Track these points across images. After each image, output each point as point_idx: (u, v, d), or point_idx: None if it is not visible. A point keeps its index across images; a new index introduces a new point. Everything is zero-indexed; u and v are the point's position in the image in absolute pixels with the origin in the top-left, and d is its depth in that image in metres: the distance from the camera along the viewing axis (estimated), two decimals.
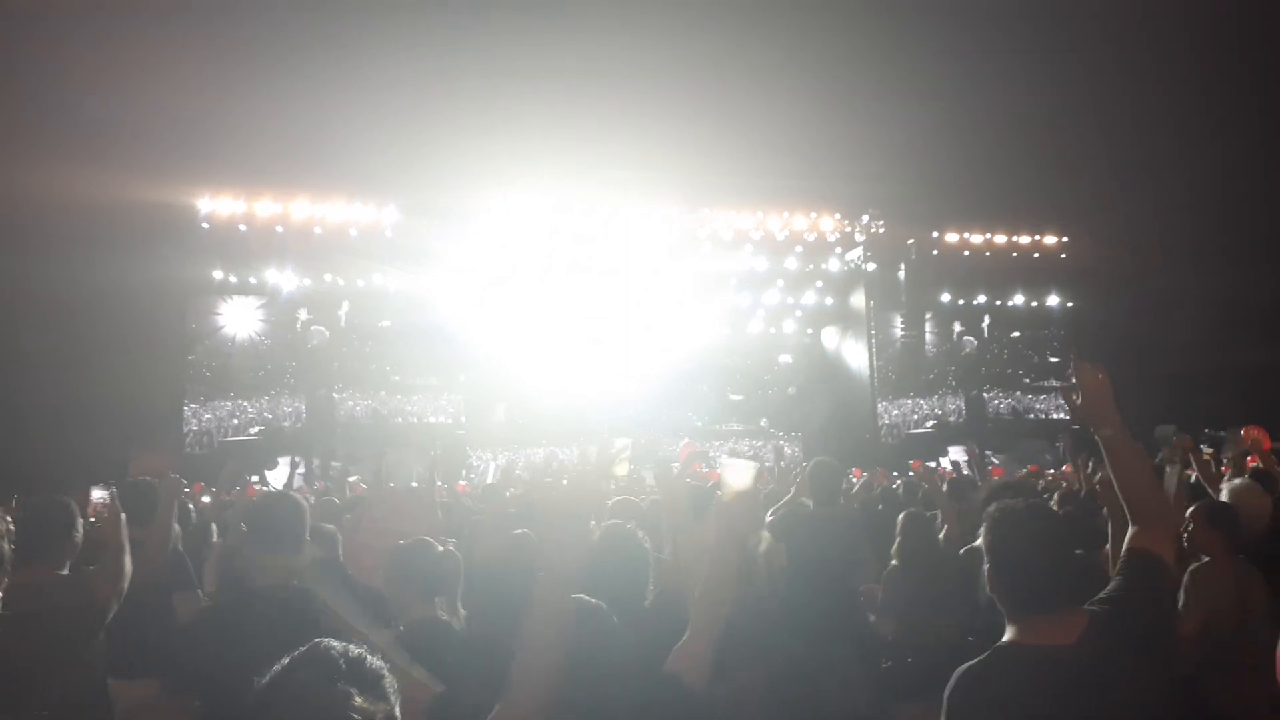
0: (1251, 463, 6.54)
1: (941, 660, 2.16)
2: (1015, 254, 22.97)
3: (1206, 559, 3.90)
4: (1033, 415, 24.07)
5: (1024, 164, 18.85)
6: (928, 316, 23.64)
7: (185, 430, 19.10)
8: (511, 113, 16.81)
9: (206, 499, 10.63)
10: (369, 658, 1.45)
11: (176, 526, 5.15)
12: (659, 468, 4.35)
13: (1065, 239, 23.05)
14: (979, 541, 4.82)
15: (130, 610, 3.63)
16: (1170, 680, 1.93)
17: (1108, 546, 3.58)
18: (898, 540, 4.70)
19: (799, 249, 21.88)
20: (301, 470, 18.11)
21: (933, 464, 19.08)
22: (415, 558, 3.08)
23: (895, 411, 23.23)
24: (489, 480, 8.18)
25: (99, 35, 13.43)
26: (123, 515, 3.32)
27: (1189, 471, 5.39)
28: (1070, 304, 23.79)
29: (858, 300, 22.73)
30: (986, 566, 2.15)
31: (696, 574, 2.53)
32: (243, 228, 18.74)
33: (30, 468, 12.85)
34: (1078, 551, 2.99)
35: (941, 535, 4.94)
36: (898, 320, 23.20)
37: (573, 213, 20.42)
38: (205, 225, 18.47)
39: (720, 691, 2.55)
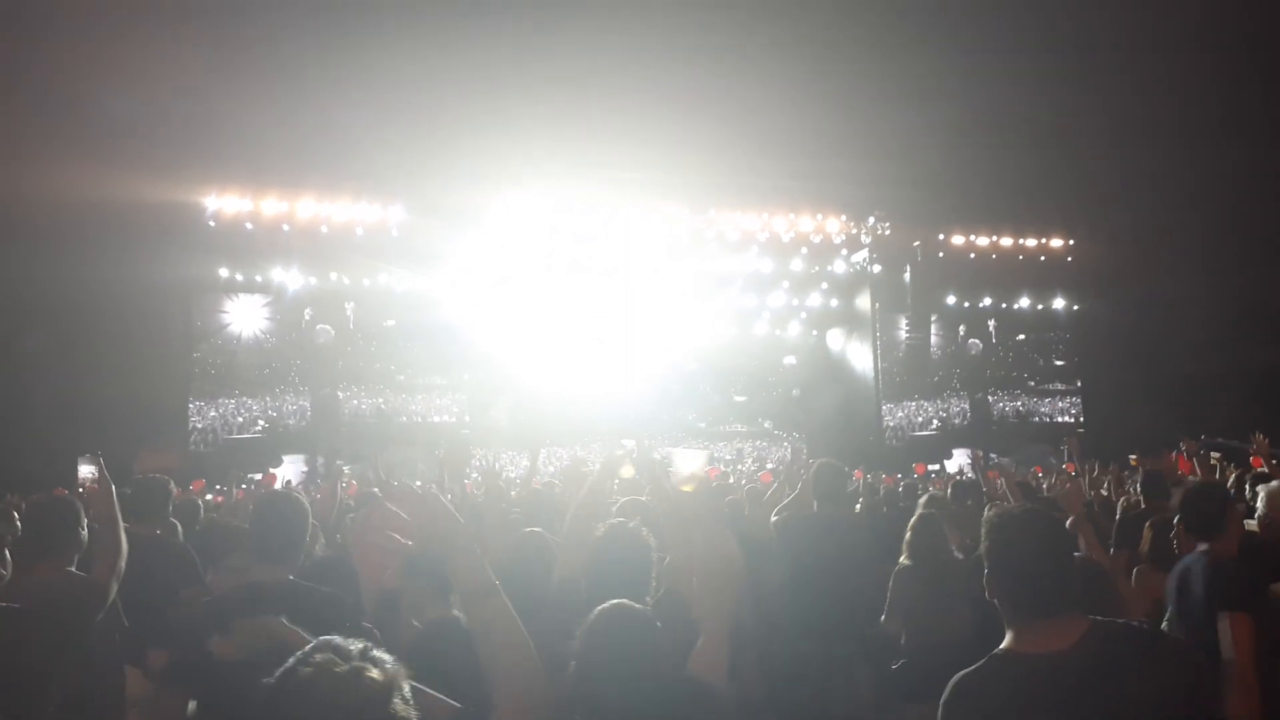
0: (1257, 464, 6.52)
1: (952, 660, 2.16)
2: (1021, 256, 22.95)
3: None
4: (1037, 418, 24.05)
5: (1030, 166, 18.83)
6: (933, 319, 23.62)
7: (190, 427, 19.15)
8: (518, 113, 16.83)
9: (209, 497, 10.67)
10: (374, 648, 1.47)
11: (176, 522, 5.18)
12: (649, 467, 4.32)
13: (1071, 241, 23.02)
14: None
15: (133, 606, 3.65)
16: (1177, 689, 1.92)
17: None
18: (909, 540, 4.69)
19: (804, 250, 21.87)
20: (304, 470, 18.18)
21: (936, 467, 19.10)
22: (429, 557, 3.07)
23: (900, 414, 23.22)
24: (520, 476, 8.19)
25: (107, 35, 13.47)
26: (112, 487, 3.31)
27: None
28: (1076, 307, 23.76)
29: (863, 302, 22.72)
30: (986, 570, 2.15)
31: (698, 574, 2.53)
32: (249, 226, 18.76)
33: (37, 464, 12.91)
34: (1077, 554, 3.00)
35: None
36: (903, 323, 23.18)
37: (578, 213, 20.43)
38: (212, 224, 18.50)
39: (730, 692, 2.55)
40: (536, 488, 6.14)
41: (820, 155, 18.67)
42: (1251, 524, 4.47)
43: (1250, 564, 3.80)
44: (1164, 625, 3.69)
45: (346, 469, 10.37)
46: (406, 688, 1.43)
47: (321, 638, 1.49)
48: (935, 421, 23.51)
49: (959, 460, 20.77)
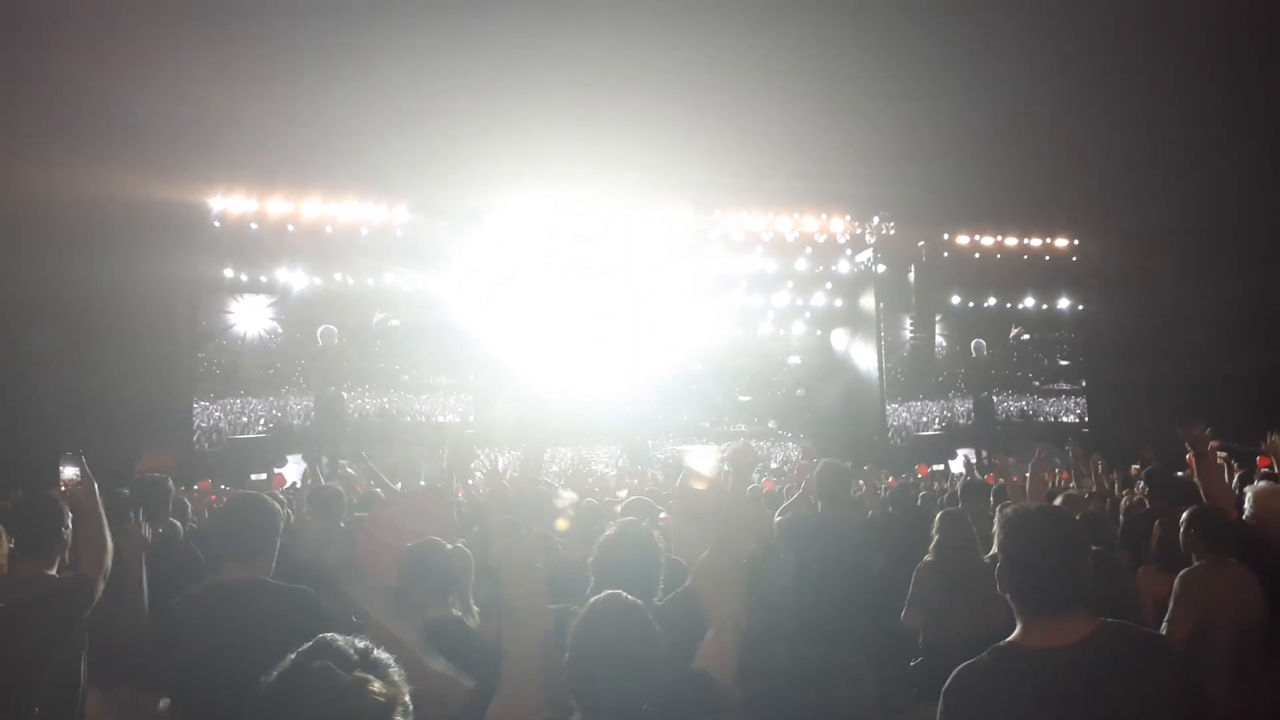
0: (1264, 464, 6.51)
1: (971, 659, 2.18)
2: (1026, 256, 22.90)
3: (1198, 563, 3.91)
4: (1042, 418, 24.01)
5: (1035, 166, 18.80)
6: (938, 319, 23.59)
7: (195, 427, 19.20)
8: (523, 114, 16.83)
9: (212, 498, 10.67)
10: (374, 649, 1.46)
11: (177, 522, 5.20)
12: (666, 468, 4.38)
13: (1076, 241, 22.97)
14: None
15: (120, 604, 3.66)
16: (1175, 694, 1.94)
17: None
18: (935, 537, 4.71)
19: (809, 250, 21.85)
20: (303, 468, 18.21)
21: (940, 467, 19.07)
22: (426, 557, 3.10)
23: (904, 414, 23.19)
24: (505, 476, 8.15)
25: (112, 34, 13.50)
26: (95, 485, 3.33)
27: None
28: (1081, 307, 23.71)
29: (867, 302, 22.69)
30: (999, 565, 2.18)
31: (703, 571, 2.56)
32: (254, 226, 18.80)
33: (42, 464, 12.94)
34: (1094, 548, 3.01)
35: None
36: (907, 322, 23.15)
37: (582, 213, 20.44)
38: (217, 224, 18.54)
39: (734, 688, 2.56)
40: (540, 487, 6.15)
41: (825, 155, 18.69)
42: None
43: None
44: (1164, 626, 3.70)
45: (350, 469, 10.40)
46: (408, 699, 1.42)
47: (321, 637, 1.48)
48: (939, 421, 23.48)
49: (961, 462, 20.73)
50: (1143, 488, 5.56)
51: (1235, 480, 6.81)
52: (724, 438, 22.75)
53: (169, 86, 14.55)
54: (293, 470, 17.50)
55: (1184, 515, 4.07)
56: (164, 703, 2.93)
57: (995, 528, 2.27)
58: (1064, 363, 24.26)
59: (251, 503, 3.30)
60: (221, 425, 19.71)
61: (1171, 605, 3.81)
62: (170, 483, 5.16)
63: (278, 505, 3.33)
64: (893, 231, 21.91)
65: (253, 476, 16.23)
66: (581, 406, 20.68)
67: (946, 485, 11.04)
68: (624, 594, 2.31)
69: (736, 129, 17.75)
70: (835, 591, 4.32)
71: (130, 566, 3.38)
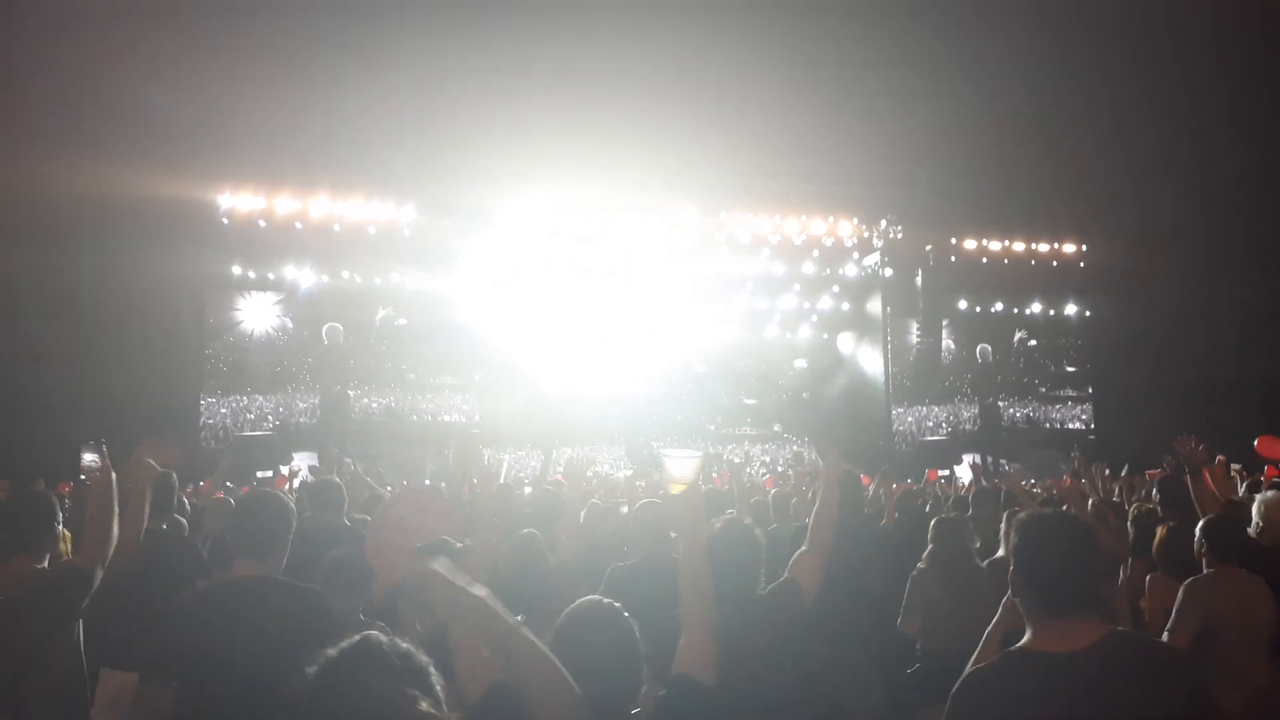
0: (1272, 474, 6.48)
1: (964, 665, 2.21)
2: (1033, 261, 22.83)
3: (1208, 571, 3.92)
4: (1048, 424, 23.97)
5: (1043, 171, 18.76)
6: (944, 324, 23.55)
7: (201, 424, 19.26)
8: (531, 115, 16.86)
9: (217, 494, 10.68)
10: (415, 653, 1.44)
11: (181, 519, 5.21)
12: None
13: (1084, 247, 22.91)
14: (1002, 551, 4.83)
15: (138, 602, 3.67)
16: (1181, 703, 1.95)
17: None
18: (930, 544, 4.73)
19: (816, 253, 21.83)
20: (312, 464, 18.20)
21: (945, 472, 19.03)
22: (436, 557, 3.09)
23: (910, 419, 23.17)
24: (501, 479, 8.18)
25: (122, 33, 13.54)
26: (113, 475, 3.33)
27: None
28: (1088, 313, 23.66)
29: (874, 306, 22.67)
30: (1011, 570, 2.21)
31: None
32: (262, 224, 18.84)
33: (50, 456, 12.99)
34: None
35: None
36: (914, 327, 23.12)
37: (589, 214, 20.45)
38: (225, 221, 18.59)
39: (740, 694, 2.57)
40: (548, 487, 6.16)
41: (833, 158, 18.68)
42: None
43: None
44: (1165, 634, 3.71)
45: (355, 466, 10.39)
46: (446, 712, 1.40)
47: (362, 639, 1.46)
48: (945, 426, 23.46)
49: (968, 466, 20.70)
50: (1155, 495, 5.55)
51: (1243, 489, 6.79)
52: (730, 440, 22.76)
53: (178, 84, 14.60)
54: (302, 466, 17.51)
55: (1199, 525, 4.07)
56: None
57: (1011, 532, 2.28)
58: (1070, 369, 24.21)
59: (265, 499, 3.30)
60: (227, 422, 19.78)
61: (1174, 613, 3.82)
62: (175, 478, 5.15)
63: (289, 503, 3.34)
64: (900, 235, 21.87)
65: (259, 474, 16.26)
66: (586, 407, 20.70)
67: (951, 490, 11.02)
68: (601, 599, 2.35)
69: (745, 131, 17.77)
70: (845, 594, 4.32)
71: (134, 494, 3.39)
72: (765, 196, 20.64)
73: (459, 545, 3.14)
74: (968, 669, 2.16)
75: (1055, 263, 22.91)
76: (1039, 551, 2.17)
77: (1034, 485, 11.73)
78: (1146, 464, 9.79)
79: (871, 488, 7.33)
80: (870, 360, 22.97)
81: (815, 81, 16.55)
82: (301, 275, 20.12)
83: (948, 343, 23.67)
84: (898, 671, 4.66)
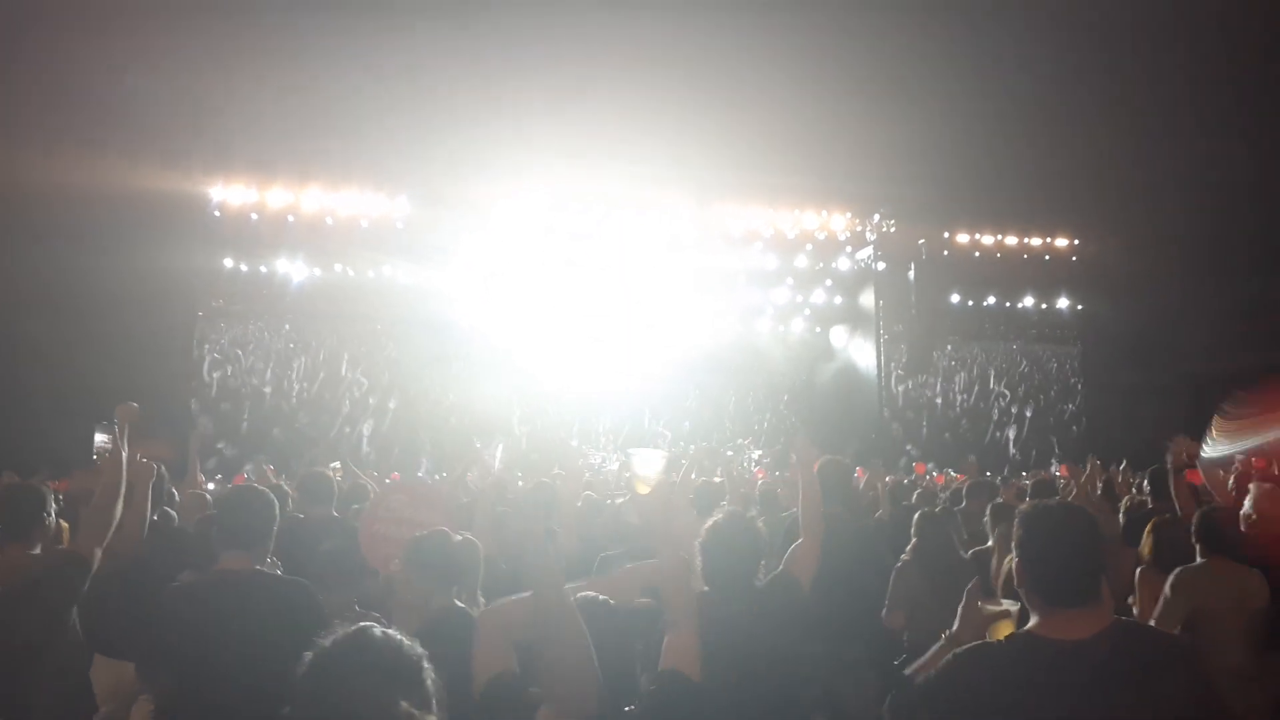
0: (1260, 465, 6.51)
1: None
2: (1026, 256, 22.84)
3: (1200, 561, 3.96)
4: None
5: (1037, 165, 18.77)
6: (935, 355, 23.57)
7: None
8: (524, 107, 16.81)
9: (210, 485, 10.68)
10: (409, 646, 1.45)
11: (170, 510, 5.23)
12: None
13: (1077, 241, 22.93)
14: (990, 543, 4.85)
15: (127, 588, 3.69)
16: (1186, 694, 1.97)
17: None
18: (914, 538, 4.76)
19: (809, 247, 21.82)
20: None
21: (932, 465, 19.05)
22: (433, 548, 3.11)
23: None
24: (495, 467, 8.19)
25: (112, 24, 13.45)
26: (124, 454, 3.34)
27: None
28: (1081, 307, 23.69)
29: (867, 299, 22.68)
30: (1016, 560, 2.22)
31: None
32: (254, 217, 18.76)
33: (38, 455, 12.93)
34: None
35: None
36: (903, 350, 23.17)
37: (581, 208, 20.40)
38: (217, 214, 18.50)
39: (734, 688, 2.58)
40: (544, 480, 6.17)
41: (826, 151, 18.64)
42: None
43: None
44: (1153, 624, 3.74)
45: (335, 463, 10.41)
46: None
47: (357, 631, 1.46)
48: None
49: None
50: (1146, 488, 5.61)
51: (1231, 483, 6.83)
52: (717, 434, 22.75)
53: (169, 76, 14.51)
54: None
55: (1195, 515, 4.12)
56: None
57: (1016, 524, 2.29)
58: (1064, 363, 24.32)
59: (250, 493, 3.37)
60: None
61: (1161, 601, 3.87)
62: (163, 469, 5.19)
63: (274, 497, 3.37)
64: (893, 229, 21.89)
65: (247, 468, 16.24)
66: (579, 402, 20.67)
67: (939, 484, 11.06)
68: (599, 596, 2.39)
69: (738, 124, 17.72)
70: (839, 591, 4.33)
71: (136, 489, 3.43)
72: (759, 189, 20.63)
73: (457, 538, 3.16)
74: (975, 644, 2.19)
75: (1048, 256, 22.92)
76: (1041, 542, 2.18)
77: (1025, 478, 11.77)
78: (1135, 458, 9.84)
79: (864, 482, 7.36)
80: (863, 354, 22.99)
81: (809, 74, 16.54)
82: (294, 268, 20.05)
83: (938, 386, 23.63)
84: (898, 668, 4.67)
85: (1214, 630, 3.69)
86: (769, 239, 21.35)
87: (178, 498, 5.85)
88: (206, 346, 19.72)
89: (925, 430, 22.88)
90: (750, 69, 16.30)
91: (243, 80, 14.91)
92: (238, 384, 19.86)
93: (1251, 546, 4.09)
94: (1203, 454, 5.84)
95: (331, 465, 9.47)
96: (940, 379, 23.76)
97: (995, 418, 23.49)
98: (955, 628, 2.45)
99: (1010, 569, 2.79)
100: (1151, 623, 3.75)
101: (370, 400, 20.56)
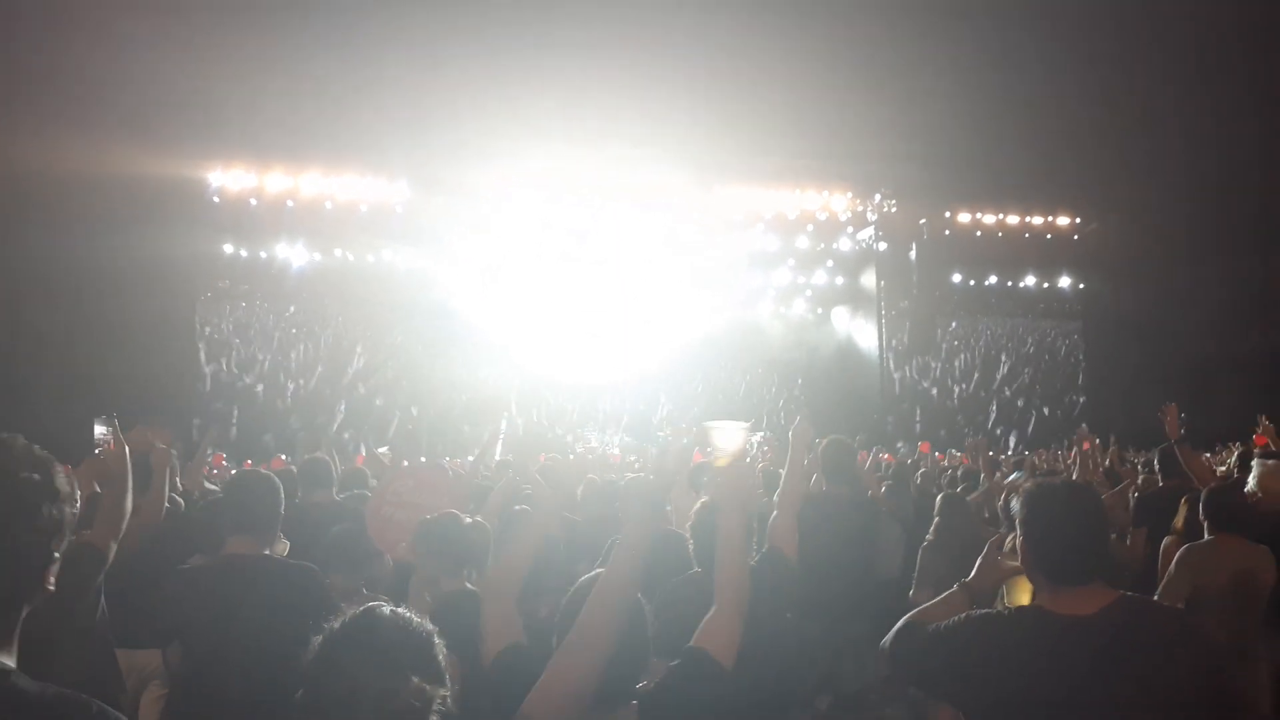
0: (1261, 442, 6.52)
1: None
2: (1028, 235, 22.75)
3: (1207, 538, 3.98)
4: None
5: (1039, 144, 18.67)
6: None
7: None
8: (521, 89, 16.69)
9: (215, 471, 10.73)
10: (419, 622, 1.46)
11: (176, 496, 5.25)
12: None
13: (1078, 220, 22.83)
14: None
15: (141, 575, 3.70)
16: (1195, 670, 1.97)
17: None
18: (936, 520, 4.83)
19: (810, 228, 21.76)
20: None
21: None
22: (443, 530, 3.12)
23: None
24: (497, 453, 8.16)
25: (110, 9, 13.36)
26: (127, 449, 3.34)
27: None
28: (1082, 286, 23.65)
29: (869, 280, 22.64)
30: (1020, 538, 2.21)
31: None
32: (253, 202, 18.70)
33: (37, 441, 12.93)
34: None
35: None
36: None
37: (581, 194, 20.31)
38: (216, 199, 18.44)
39: (733, 669, 2.57)
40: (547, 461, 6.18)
41: (827, 131, 18.54)
42: None
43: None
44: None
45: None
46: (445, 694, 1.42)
47: (365, 611, 1.47)
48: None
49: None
50: (1155, 466, 5.64)
51: (1234, 458, 6.85)
52: (722, 415, 22.75)
53: (167, 61, 14.41)
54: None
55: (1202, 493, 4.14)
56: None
57: (1020, 502, 2.29)
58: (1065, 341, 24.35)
59: (256, 478, 3.39)
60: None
61: (1164, 578, 3.89)
62: (175, 457, 5.18)
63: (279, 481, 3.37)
64: (894, 209, 21.81)
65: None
66: (577, 388, 20.69)
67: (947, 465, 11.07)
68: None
69: (738, 105, 17.62)
70: (843, 571, 4.35)
71: (155, 474, 3.48)
72: (759, 170, 20.53)
73: (468, 521, 3.16)
74: (980, 612, 2.20)
75: (1049, 235, 22.83)
76: (1045, 520, 2.17)
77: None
78: (1135, 438, 9.84)
79: (869, 462, 7.38)
80: (865, 334, 22.99)
81: (808, 54, 16.43)
82: (294, 253, 20.02)
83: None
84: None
85: (1216, 607, 3.70)
86: (770, 220, 21.28)
87: (180, 484, 5.86)
88: (209, 329, 19.72)
89: (920, 414, 22.91)
90: (750, 49, 16.19)
91: (241, 65, 14.82)
92: (231, 380, 19.91)
93: (1258, 523, 4.11)
94: None
95: (379, 450, 9.55)
96: (941, 361, 23.76)
97: (995, 412, 23.53)
98: (971, 576, 2.42)
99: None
100: (1155, 598, 3.76)
101: (377, 401, 20.57)
